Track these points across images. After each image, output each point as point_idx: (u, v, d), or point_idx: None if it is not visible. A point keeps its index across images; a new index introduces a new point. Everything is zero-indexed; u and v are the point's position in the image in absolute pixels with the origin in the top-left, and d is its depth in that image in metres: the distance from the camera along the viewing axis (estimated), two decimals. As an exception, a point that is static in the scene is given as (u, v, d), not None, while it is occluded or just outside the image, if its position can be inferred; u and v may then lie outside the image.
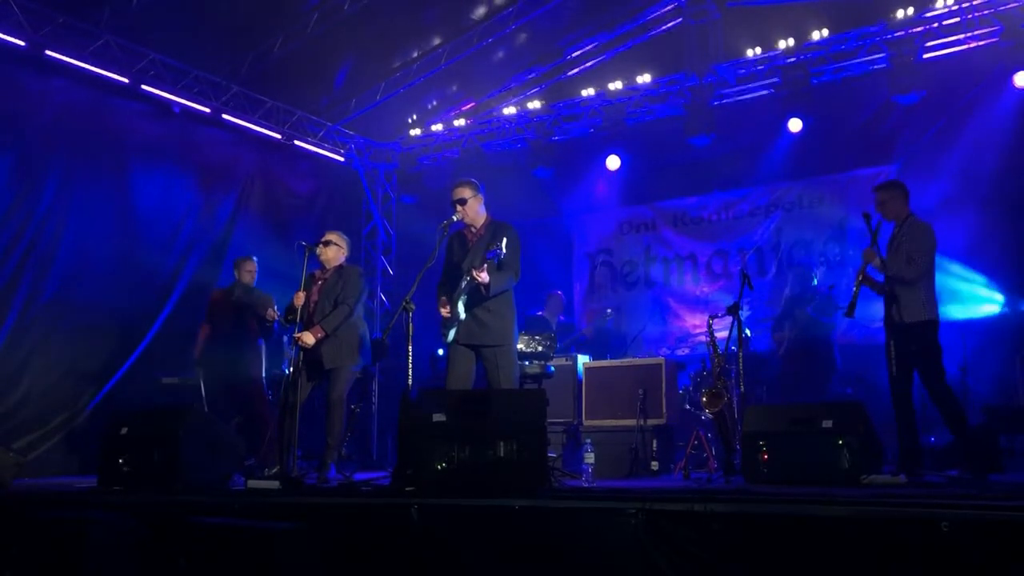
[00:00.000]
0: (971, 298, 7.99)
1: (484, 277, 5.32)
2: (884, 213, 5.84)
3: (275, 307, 7.27)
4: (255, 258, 7.82)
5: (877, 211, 5.88)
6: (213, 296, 7.85)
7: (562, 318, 9.13)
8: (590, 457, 5.15)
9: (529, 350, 7.00)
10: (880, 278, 5.68)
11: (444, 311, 5.59)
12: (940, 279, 5.88)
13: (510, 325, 5.64)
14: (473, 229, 5.78)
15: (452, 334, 5.58)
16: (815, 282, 8.37)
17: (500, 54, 9.70)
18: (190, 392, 7.52)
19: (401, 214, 11.22)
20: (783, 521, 3.53)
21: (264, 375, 7.66)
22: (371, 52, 9.44)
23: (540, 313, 8.92)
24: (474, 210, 5.75)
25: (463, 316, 5.47)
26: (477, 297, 5.48)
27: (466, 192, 5.72)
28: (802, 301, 8.22)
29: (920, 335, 5.47)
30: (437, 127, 10.66)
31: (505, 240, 5.34)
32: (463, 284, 5.47)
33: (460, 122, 10.53)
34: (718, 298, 9.19)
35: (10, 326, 7.56)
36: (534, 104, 10.05)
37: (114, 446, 5.76)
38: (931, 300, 5.59)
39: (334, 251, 6.53)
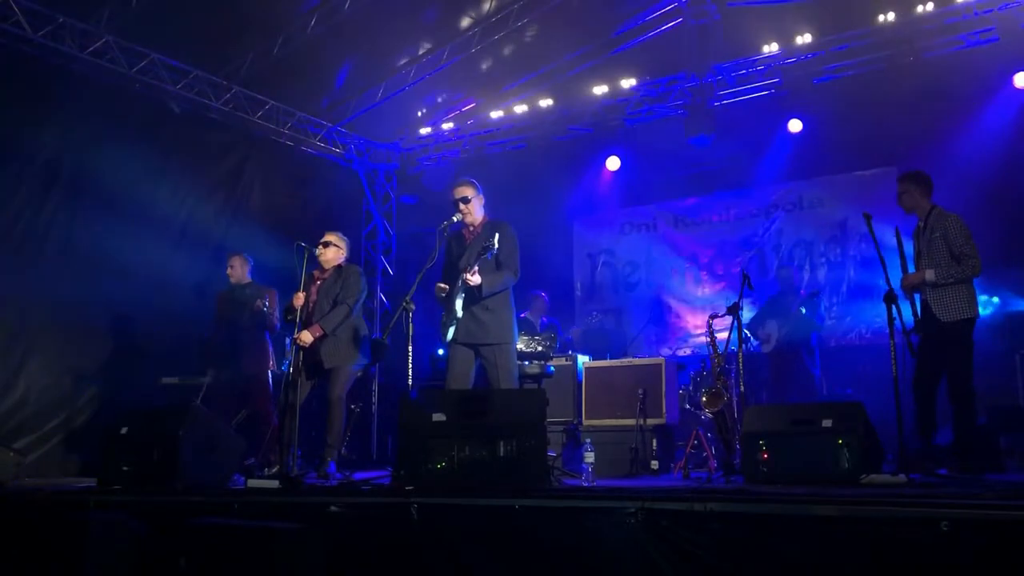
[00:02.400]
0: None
1: (474, 280, 5.35)
2: (902, 204, 5.83)
3: (264, 299, 7.30)
4: (245, 254, 7.83)
5: (898, 203, 5.87)
6: (217, 297, 7.89)
7: (545, 320, 9.13)
8: (590, 456, 5.14)
9: (529, 350, 7.00)
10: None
11: (440, 287, 5.62)
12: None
13: (509, 323, 5.66)
14: (471, 228, 5.82)
15: (451, 333, 5.59)
16: (802, 282, 8.44)
17: (500, 54, 9.70)
18: (190, 392, 7.53)
19: (401, 214, 11.22)
20: (783, 521, 3.53)
21: (272, 371, 7.67)
22: (371, 52, 9.44)
23: (524, 315, 8.93)
24: (475, 209, 5.79)
25: (460, 314, 5.49)
26: (474, 295, 5.50)
27: (468, 191, 5.76)
28: (792, 300, 8.25)
29: (961, 333, 5.48)
30: (437, 127, 10.67)
31: (498, 236, 5.36)
32: (460, 283, 5.49)
33: (460, 122, 10.53)
34: (719, 298, 9.20)
35: (7, 327, 7.55)
36: (535, 104, 10.04)
37: (114, 446, 5.76)
38: (973, 296, 5.57)
39: (333, 252, 6.54)
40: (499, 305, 5.62)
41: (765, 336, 8.30)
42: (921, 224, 5.78)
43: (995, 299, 7.85)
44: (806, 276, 9.09)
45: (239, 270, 7.73)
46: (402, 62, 9.85)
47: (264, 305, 7.29)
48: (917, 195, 5.75)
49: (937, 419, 5.62)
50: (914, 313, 5.62)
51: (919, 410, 5.50)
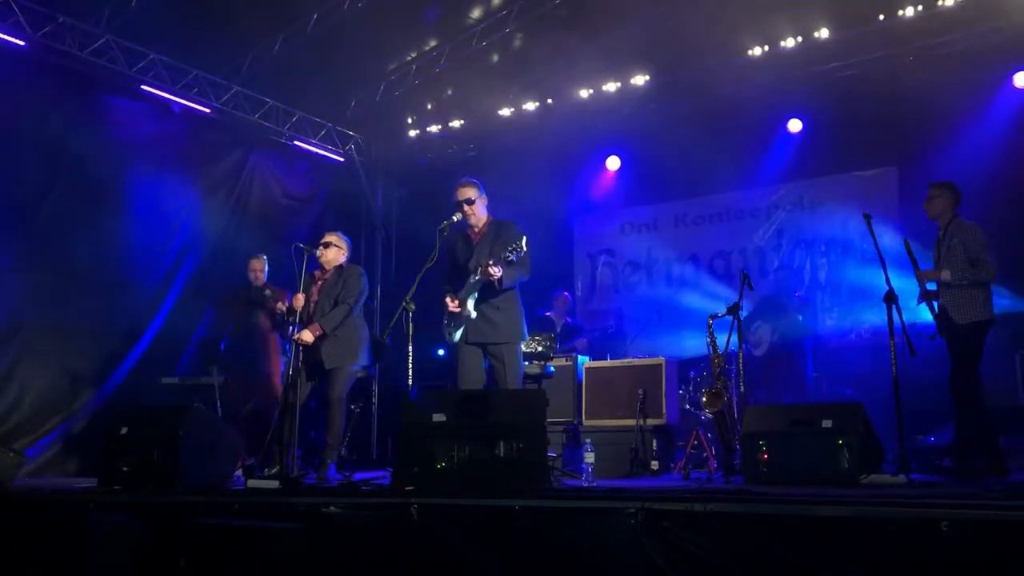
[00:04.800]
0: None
1: (496, 271, 5.33)
2: (929, 209, 5.97)
3: (283, 303, 7.30)
4: (264, 256, 7.83)
5: (924, 207, 6.01)
6: (231, 297, 7.90)
7: (568, 320, 9.15)
8: (590, 457, 5.14)
9: (529, 350, 6.99)
10: (931, 286, 5.82)
11: (452, 305, 5.59)
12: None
13: (519, 322, 5.68)
14: (476, 229, 5.82)
15: (459, 334, 5.59)
16: (801, 285, 8.47)
17: (500, 54, 9.70)
18: (190, 392, 7.52)
19: (401, 214, 11.21)
20: (782, 521, 3.53)
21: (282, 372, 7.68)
22: (371, 52, 9.44)
23: (548, 314, 8.95)
24: (479, 210, 5.79)
25: (474, 315, 5.50)
26: (485, 295, 5.52)
27: (471, 192, 5.76)
28: (787, 305, 8.26)
29: (972, 333, 5.63)
30: (437, 127, 10.66)
31: (524, 239, 5.38)
32: (472, 282, 5.51)
33: (460, 122, 10.53)
34: (719, 299, 9.18)
35: (1, 326, 7.53)
36: (534, 104, 10.04)
37: (114, 446, 5.76)
38: (988, 300, 5.73)
39: (334, 252, 6.53)
40: (509, 304, 5.64)
41: (756, 340, 8.29)
42: (941, 233, 5.92)
43: (999, 298, 7.83)
44: (807, 277, 9.07)
45: (261, 272, 7.75)
46: (402, 62, 9.85)
47: (283, 310, 7.30)
48: (948, 202, 5.90)
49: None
50: (935, 317, 5.73)
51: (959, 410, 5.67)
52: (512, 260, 5.37)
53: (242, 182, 9.68)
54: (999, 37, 7.84)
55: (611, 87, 9.58)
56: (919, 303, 5.82)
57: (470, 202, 5.74)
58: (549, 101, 9.96)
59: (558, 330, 8.47)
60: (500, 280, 5.38)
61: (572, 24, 9.07)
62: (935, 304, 5.81)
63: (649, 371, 6.81)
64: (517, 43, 9.60)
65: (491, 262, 5.34)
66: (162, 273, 8.72)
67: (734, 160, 9.32)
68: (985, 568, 3.11)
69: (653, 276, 10.23)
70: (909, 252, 5.68)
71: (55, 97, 7.97)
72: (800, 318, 8.17)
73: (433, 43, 9.64)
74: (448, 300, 5.61)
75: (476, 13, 9.25)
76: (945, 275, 5.70)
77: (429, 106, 10.62)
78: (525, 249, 5.36)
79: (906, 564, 3.24)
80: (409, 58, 9.83)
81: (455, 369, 5.75)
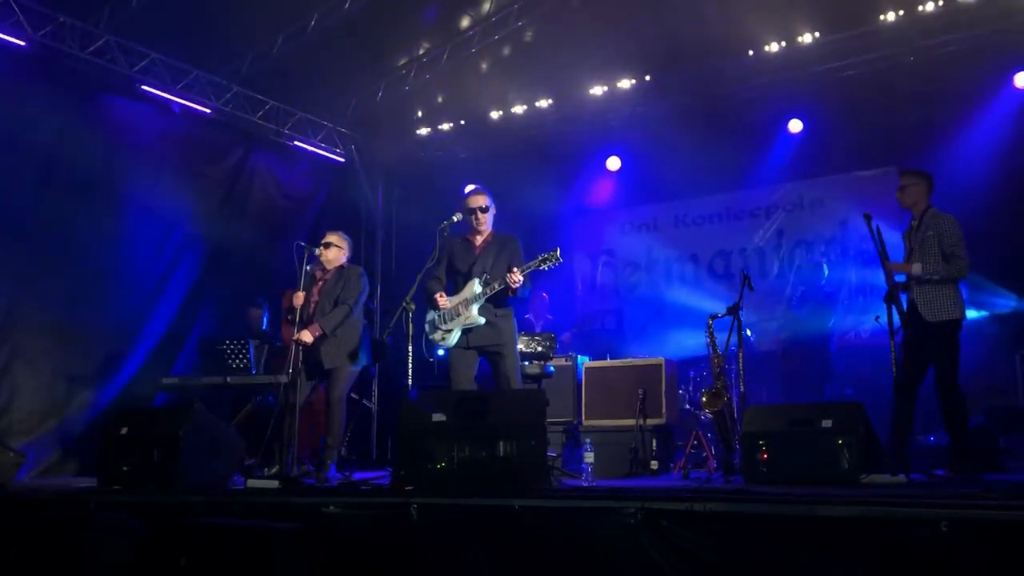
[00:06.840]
0: (969, 298, 7.98)
1: (519, 278, 5.47)
2: (902, 199, 5.75)
3: None
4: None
5: (897, 196, 5.80)
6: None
7: (551, 317, 9.16)
8: (590, 457, 5.15)
9: (529, 350, 7.01)
10: (900, 279, 5.62)
11: (443, 302, 5.65)
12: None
13: (515, 327, 5.82)
14: (480, 237, 5.88)
15: (456, 338, 5.63)
16: (825, 276, 8.42)
17: (500, 54, 9.69)
18: (190, 392, 7.51)
19: (401, 214, 11.21)
20: (782, 521, 3.53)
21: None
22: (371, 52, 9.43)
23: (527, 316, 8.98)
24: (488, 219, 5.90)
25: (481, 321, 5.60)
26: (489, 302, 5.63)
27: (484, 201, 5.88)
28: (804, 301, 8.26)
29: (947, 333, 5.44)
30: (437, 127, 10.66)
31: (558, 251, 5.53)
32: (478, 291, 5.59)
33: (460, 123, 10.52)
34: (719, 299, 9.19)
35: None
36: (534, 104, 10.03)
37: (114, 446, 5.76)
38: (959, 298, 5.54)
39: (335, 252, 6.54)
40: (508, 311, 5.78)
41: (779, 339, 8.31)
42: (915, 223, 5.74)
43: (999, 298, 7.84)
44: (826, 272, 9.00)
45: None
46: (402, 62, 9.85)
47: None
48: (922, 191, 5.70)
49: (920, 420, 5.59)
50: (900, 312, 5.52)
51: (899, 411, 5.44)
52: (543, 270, 5.55)
53: (242, 182, 9.66)
54: (999, 37, 7.84)
55: (610, 87, 9.57)
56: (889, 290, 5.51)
57: (483, 210, 5.84)
58: (549, 101, 9.95)
59: (537, 330, 8.48)
60: (515, 289, 5.51)
61: (571, 25, 9.07)
62: (903, 297, 5.59)
63: (649, 371, 6.82)
64: (517, 44, 9.60)
65: (515, 270, 5.49)
66: (160, 273, 8.70)
67: (734, 160, 9.32)
68: (985, 568, 3.11)
69: (653, 276, 10.23)
70: (880, 240, 5.43)
71: (54, 97, 7.96)
72: (802, 312, 8.16)
73: (432, 45, 9.64)
74: (438, 296, 5.69)
75: (476, 13, 9.25)
76: (916, 269, 5.49)
77: (429, 107, 10.61)
78: (560, 260, 5.52)
79: (906, 564, 3.24)
80: (408, 59, 9.82)
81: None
